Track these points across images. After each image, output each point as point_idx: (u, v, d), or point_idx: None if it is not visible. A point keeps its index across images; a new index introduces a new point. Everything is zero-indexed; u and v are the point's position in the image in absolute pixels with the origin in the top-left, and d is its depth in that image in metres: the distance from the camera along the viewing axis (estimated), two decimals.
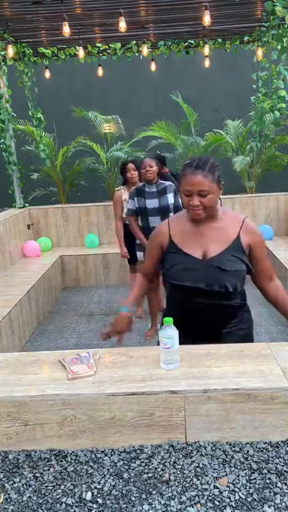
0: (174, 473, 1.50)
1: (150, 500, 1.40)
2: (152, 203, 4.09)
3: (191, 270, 1.93)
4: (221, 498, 1.40)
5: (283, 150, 7.95)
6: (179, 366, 1.78)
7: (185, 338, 1.95)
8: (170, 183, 4.21)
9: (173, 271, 1.97)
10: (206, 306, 1.96)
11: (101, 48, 7.01)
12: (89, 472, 1.53)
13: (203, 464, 1.52)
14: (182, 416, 1.62)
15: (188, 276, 1.93)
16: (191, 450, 1.59)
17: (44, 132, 7.79)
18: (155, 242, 2.09)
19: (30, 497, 1.46)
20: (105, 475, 1.51)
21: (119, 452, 1.61)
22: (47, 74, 7.38)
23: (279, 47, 5.22)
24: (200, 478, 1.47)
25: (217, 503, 1.38)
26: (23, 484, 1.51)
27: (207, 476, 1.47)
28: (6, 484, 1.52)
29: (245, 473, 1.48)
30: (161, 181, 4.17)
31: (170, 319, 1.77)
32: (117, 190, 4.81)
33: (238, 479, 1.46)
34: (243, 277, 2.00)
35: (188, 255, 1.96)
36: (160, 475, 1.49)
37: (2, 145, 6.33)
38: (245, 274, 2.01)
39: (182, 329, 2.00)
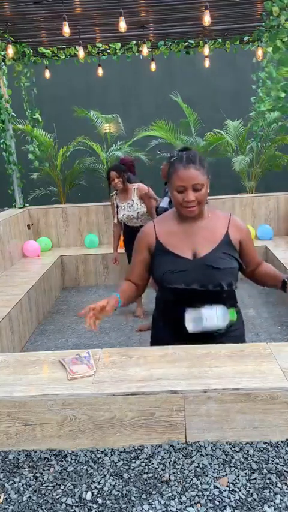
0: (174, 473, 1.50)
1: (150, 500, 1.40)
2: (162, 202, 4.19)
3: (183, 271, 1.89)
4: (221, 498, 1.40)
5: (283, 150, 7.95)
6: (179, 366, 1.78)
7: (178, 340, 1.97)
8: None
9: (166, 276, 1.91)
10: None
11: (101, 48, 7.01)
12: (89, 472, 1.53)
13: (203, 464, 1.52)
14: (182, 416, 1.62)
15: (180, 278, 1.89)
16: (191, 450, 1.59)
17: (44, 132, 7.80)
18: (142, 244, 2.01)
19: (30, 497, 1.46)
20: (105, 475, 1.51)
21: (119, 452, 1.61)
22: (47, 74, 7.38)
23: (270, 48, 5.25)
24: (200, 478, 1.47)
25: (217, 503, 1.38)
26: (23, 484, 1.51)
27: (207, 476, 1.47)
28: (6, 484, 1.52)
29: (245, 473, 1.48)
30: None
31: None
32: (111, 195, 4.84)
33: (238, 479, 1.46)
34: (236, 275, 1.99)
35: (177, 255, 1.92)
36: (160, 475, 1.49)
37: (2, 145, 6.33)
38: (237, 272, 2.00)
39: (174, 331, 2.01)
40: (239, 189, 7.95)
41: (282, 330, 4.41)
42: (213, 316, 1.85)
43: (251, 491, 1.41)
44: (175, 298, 1.94)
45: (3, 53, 6.08)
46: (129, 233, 4.67)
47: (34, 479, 1.52)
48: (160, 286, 2.00)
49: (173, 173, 1.86)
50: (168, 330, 2.06)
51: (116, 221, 4.79)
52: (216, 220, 2.00)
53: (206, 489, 1.43)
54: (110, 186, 4.62)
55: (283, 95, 5.83)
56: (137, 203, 4.57)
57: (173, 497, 1.41)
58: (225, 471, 1.49)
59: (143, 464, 1.55)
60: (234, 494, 1.40)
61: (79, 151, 8.52)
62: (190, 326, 1.89)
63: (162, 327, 2.11)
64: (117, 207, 4.67)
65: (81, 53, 6.37)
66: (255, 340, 4.11)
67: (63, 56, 7.18)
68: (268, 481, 1.45)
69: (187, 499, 1.40)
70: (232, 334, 2.02)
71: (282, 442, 1.61)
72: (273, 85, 5.80)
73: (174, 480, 1.47)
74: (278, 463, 1.51)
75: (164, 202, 4.09)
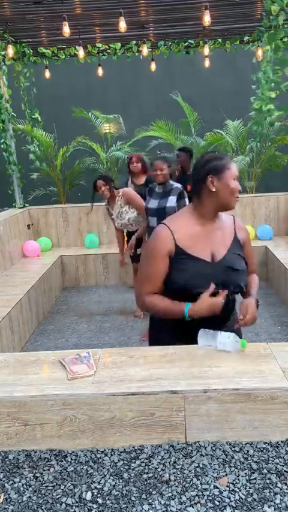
0: (174, 473, 1.50)
1: (150, 500, 1.40)
2: (153, 203, 4.10)
3: (207, 274, 1.89)
4: (221, 498, 1.40)
5: (283, 150, 7.95)
6: (179, 366, 1.78)
7: (179, 340, 1.98)
8: (179, 185, 4.11)
9: (192, 280, 1.88)
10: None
11: (101, 48, 7.01)
12: (89, 472, 1.53)
13: (203, 464, 1.52)
14: (182, 416, 1.62)
15: (205, 281, 1.88)
16: (191, 450, 1.59)
17: (44, 132, 7.80)
18: (161, 252, 1.92)
19: (30, 497, 1.46)
20: (105, 475, 1.51)
21: (119, 452, 1.61)
22: (47, 74, 7.38)
23: (267, 47, 5.26)
24: (200, 478, 1.47)
25: (217, 503, 1.38)
26: (23, 484, 1.51)
27: (207, 476, 1.47)
28: (6, 484, 1.52)
29: (245, 473, 1.48)
30: (171, 183, 4.12)
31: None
32: (105, 205, 4.82)
33: (238, 479, 1.46)
34: (246, 274, 2.05)
35: (199, 259, 1.92)
36: (160, 475, 1.49)
37: (2, 145, 6.33)
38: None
39: (175, 331, 2.02)
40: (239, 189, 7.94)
41: (282, 330, 4.41)
42: (226, 342, 1.86)
43: (251, 491, 1.41)
44: (192, 301, 1.92)
45: (3, 53, 6.08)
46: (131, 236, 4.69)
47: (34, 479, 1.52)
48: (174, 290, 1.94)
49: (227, 164, 1.92)
50: (169, 330, 2.06)
51: (115, 225, 4.79)
52: (223, 222, 2.03)
53: (206, 489, 1.43)
54: (94, 196, 4.59)
55: (273, 95, 5.86)
56: (126, 210, 4.50)
57: (173, 497, 1.41)
58: (225, 471, 1.49)
59: (143, 464, 1.55)
60: (234, 494, 1.40)
61: (79, 151, 8.51)
62: (201, 342, 1.90)
63: (163, 327, 2.10)
64: (111, 215, 4.67)
65: (81, 53, 6.37)
66: (255, 340, 4.10)
67: (63, 56, 7.17)
68: (268, 481, 1.45)
69: (187, 499, 1.40)
70: (233, 329, 2.05)
71: (282, 442, 1.61)
72: (267, 85, 5.84)
73: (174, 480, 1.47)
74: (278, 463, 1.51)
75: (171, 202, 4.04)
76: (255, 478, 1.46)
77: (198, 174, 1.93)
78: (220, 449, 1.58)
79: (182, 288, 1.90)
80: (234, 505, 1.37)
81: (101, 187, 4.48)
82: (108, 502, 1.41)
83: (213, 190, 1.89)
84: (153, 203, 4.10)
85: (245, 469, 1.50)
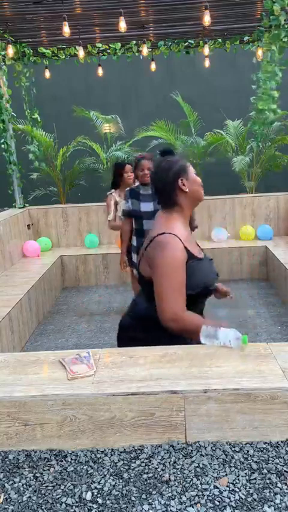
0: (174, 473, 1.50)
1: (150, 500, 1.40)
2: (147, 206, 3.96)
3: (211, 270, 2.02)
4: (221, 498, 1.40)
5: (283, 150, 7.94)
6: (179, 366, 1.78)
7: (178, 340, 1.99)
8: None
9: (209, 278, 1.98)
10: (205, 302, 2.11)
11: (101, 48, 7.01)
12: (89, 472, 1.53)
13: (203, 464, 1.52)
14: (182, 416, 1.62)
15: (213, 277, 2.02)
16: (191, 450, 1.59)
17: (43, 132, 7.81)
18: (182, 262, 1.91)
19: (30, 497, 1.46)
20: (105, 475, 1.51)
21: (119, 452, 1.61)
22: (47, 74, 7.38)
23: (273, 47, 5.23)
24: (200, 478, 1.47)
25: (217, 503, 1.38)
26: (23, 484, 1.51)
27: (207, 476, 1.47)
28: (6, 484, 1.52)
29: (245, 473, 1.48)
30: None
31: None
32: (108, 194, 4.71)
33: (238, 479, 1.46)
34: None
35: (201, 258, 2.00)
36: (160, 475, 1.49)
37: (2, 145, 6.33)
38: None
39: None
40: (239, 189, 7.94)
41: (282, 330, 4.40)
42: (229, 334, 1.88)
43: (251, 491, 1.41)
44: (201, 298, 2.02)
45: (3, 53, 6.08)
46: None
47: (34, 479, 1.52)
48: (201, 291, 1.97)
49: (184, 161, 2.03)
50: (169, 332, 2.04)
51: (111, 218, 4.73)
52: None
53: (206, 489, 1.43)
54: (121, 179, 4.56)
55: (276, 95, 5.85)
56: None
57: (173, 497, 1.41)
58: (225, 471, 1.49)
59: (143, 464, 1.55)
60: (234, 494, 1.40)
61: (79, 151, 8.51)
62: (203, 340, 1.92)
63: (163, 329, 2.09)
64: (116, 204, 4.64)
65: (81, 53, 6.37)
66: (255, 340, 4.10)
67: (63, 56, 7.17)
68: (268, 481, 1.45)
69: (187, 499, 1.40)
70: None
71: (282, 442, 1.61)
72: (271, 84, 5.82)
73: (174, 480, 1.47)
74: (278, 463, 1.51)
75: (125, 206, 4.10)
76: (255, 478, 1.46)
77: (166, 184, 1.95)
78: (220, 449, 1.58)
79: (204, 288, 1.98)
80: (234, 505, 1.37)
81: (127, 172, 4.54)
82: (108, 502, 1.41)
83: (187, 190, 1.95)
84: (147, 206, 3.96)
85: (245, 469, 1.50)
